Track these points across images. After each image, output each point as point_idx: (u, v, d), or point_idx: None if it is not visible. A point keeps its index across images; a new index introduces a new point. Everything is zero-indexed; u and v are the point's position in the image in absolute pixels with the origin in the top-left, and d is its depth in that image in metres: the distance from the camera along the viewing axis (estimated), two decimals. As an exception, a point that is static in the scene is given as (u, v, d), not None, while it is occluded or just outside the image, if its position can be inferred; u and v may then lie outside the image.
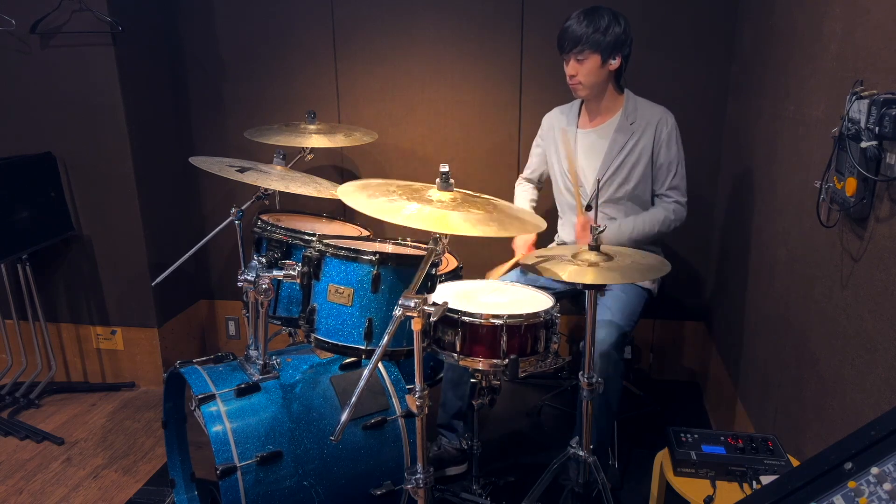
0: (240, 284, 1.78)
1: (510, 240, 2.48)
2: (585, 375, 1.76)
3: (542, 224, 1.68)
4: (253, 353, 1.94)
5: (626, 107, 2.28)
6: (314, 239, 1.83)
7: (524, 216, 1.69)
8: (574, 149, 2.35)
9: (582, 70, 2.20)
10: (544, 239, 2.61)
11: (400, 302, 1.46)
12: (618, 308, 2.14)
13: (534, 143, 2.54)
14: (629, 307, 2.18)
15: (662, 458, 1.66)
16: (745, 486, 1.53)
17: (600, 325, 2.01)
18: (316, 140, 2.59)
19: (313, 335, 1.78)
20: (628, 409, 2.81)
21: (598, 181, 2.07)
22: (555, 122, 2.44)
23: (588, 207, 2.33)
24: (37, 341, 2.99)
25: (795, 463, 1.57)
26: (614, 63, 2.20)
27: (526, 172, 2.59)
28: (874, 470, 0.91)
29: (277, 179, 2.17)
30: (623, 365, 2.15)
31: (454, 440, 2.36)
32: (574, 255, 1.74)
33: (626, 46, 2.20)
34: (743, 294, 2.36)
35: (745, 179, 2.42)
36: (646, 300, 2.29)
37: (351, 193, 1.62)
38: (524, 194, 2.57)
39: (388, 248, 2.07)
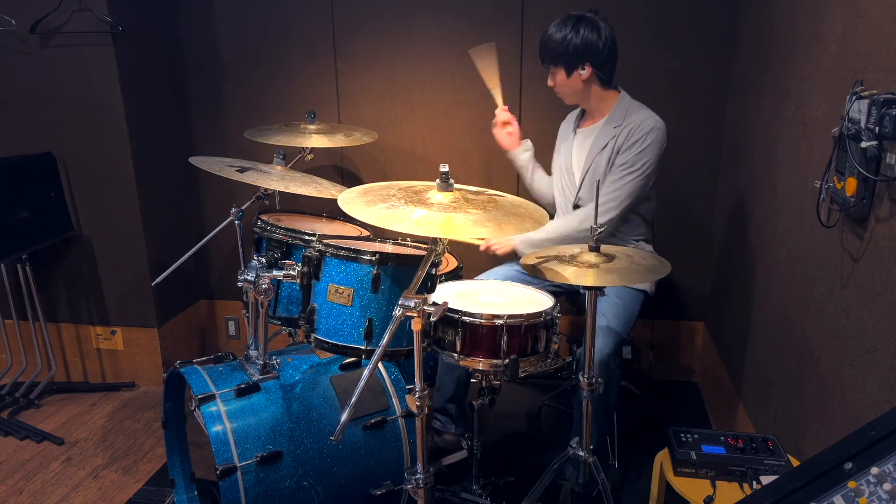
0: (240, 284, 1.78)
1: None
2: (585, 375, 1.76)
3: (545, 217, 1.67)
4: (253, 353, 1.94)
5: (614, 110, 2.28)
6: (314, 239, 1.83)
7: (525, 211, 1.68)
8: (571, 146, 2.38)
9: (555, 81, 2.27)
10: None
11: (400, 302, 1.46)
12: (614, 314, 2.13)
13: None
14: (626, 312, 2.18)
15: (662, 458, 1.66)
16: (745, 486, 1.53)
17: (598, 332, 2.00)
18: (316, 140, 2.59)
19: (313, 335, 1.78)
20: (628, 409, 2.81)
21: (598, 182, 2.06)
22: (565, 122, 2.50)
23: (575, 206, 2.35)
24: (37, 341, 2.99)
25: (795, 463, 1.57)
26: (584, 73, 2.20)
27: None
28: (874, 470, 0.91)
29: (277, 179, 2.17)
30: (619, 373, 2.15)
31: (448, 425, 2.36)
32: (574, 256, 1.74)
33: (594, 55, 2.17)
34: (743, 294, 2.36)
35: (745, 179, 2.42)
36: (642, 301, 2.29)
37: (352, 202, 1.61)
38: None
39: (388, 248, 2.07)
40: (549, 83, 2.30)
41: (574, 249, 1.79)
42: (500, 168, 2.98)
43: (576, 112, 2.45)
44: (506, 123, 2.52)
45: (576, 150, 2.36)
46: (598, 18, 2.19)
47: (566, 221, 2.31)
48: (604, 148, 2.25)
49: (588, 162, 2.29)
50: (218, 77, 3.06)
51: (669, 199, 2.74)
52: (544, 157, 2.58)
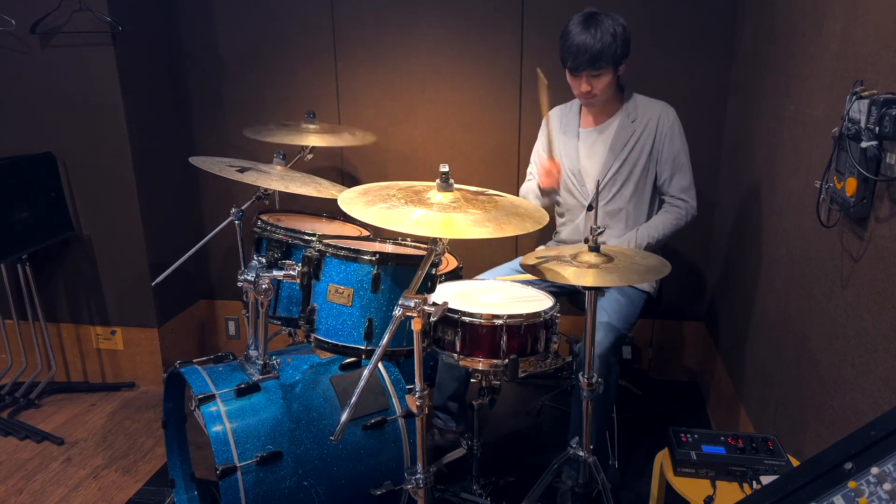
0: (240, 284, 1.78)
1: (510, 238, 2.47)
2: (585, 375, 1.76)
3: (545, 217, 1.67)
4: (253, 353, 1.94)
5: (626, 105, 2.28)
6: (314, 239, 1.83)
7: (525, 211, 1.68)
8: (577, 148, 2.35)
9: (598, 85, 2.18)
10: (543, 237, 2.62)
11: (400, 302, 1.46)
12: (615, 310, 2.13)
13: (537, 143, 2.52)
14: (626, 310, 2.18)
15: (662, 458, 1.66)
16: (745, 486, 1.53)
17: (597, 327, 2.01)
18: (316, 139, 2.59)
19: (313, 335, 1.78)
20: (628, 409, 2.81)
21: (598, 182, 2.07)
22: (558, 119, 2.42)
23: (589, 207, 2.33)
24: (37, 341, 2.99)
25: (795, 463, 1.57)
26: (623, 68, 2.20)
27: (533, 176, 2.53)
28: (874, 470, 0.91)
29: (277, 179, 2.17)
30: (619, 368, 2.15)
31: (449, 423, 2.36)
32: (574, 256, 1.74)
33: (629, 46, 2.18)
34: (743, 294, 2.36)
35: (745, 179, 2.42)
36: (644, 302, 2.29)
37: (352, 202, 1.61)
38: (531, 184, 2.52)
39: (388, 248, 2.07)
40: (585, 88, 2.18)
41: (575, 248, 1.79)
42: (500, 168, 2.99)
43: (566, 110, 2.41)
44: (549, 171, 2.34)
45: (586, 150, 2.34)
46: None
47: (664, 219, 2.28)
48: (626, 144, 2.26)
49: (609, 162, 2.28)
50: (218, 77, 3.06)
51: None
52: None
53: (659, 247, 2.31)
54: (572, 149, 2.35)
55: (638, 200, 2.31)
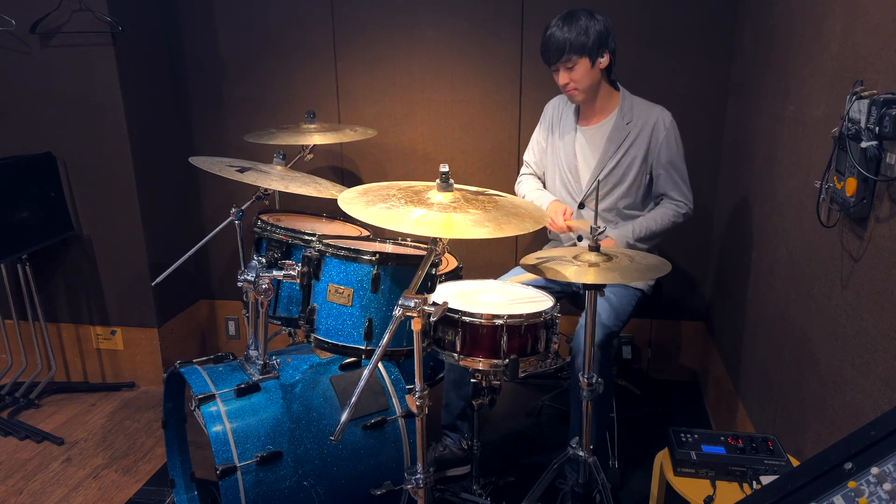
0: (240, 284, 1.78)
1: (510, 238, 2.47)
2: (585, 375, 1.76)
3: (545, 218, 1.67)
4: (253, 353, 1.94)
5: (622, 106, 2.28)
6: (314, 239, 1.83)
7: (525, 211, 1.68)
8: (574, 144, 2.35)
9: (574, 76, 2.21)
10: (540, 235, 2.61)
11: (400, 302, 1.46)
12: (604, 308, 2.13)
13: (535, 132, 2.51)
14: (618, 307, 2.17)
15: (662, 458, 1.66)
16: (745, 486, 1.53)
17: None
18: (317, 138, 2.59)
19: (313, 335, 1.78)
20: (628, 409, 2.81)
21: (598, 182, 2.07)
22: (557, 111, 2.44)
23: (581, 205, 2.33)
24: (37, 341, 2.99)
25: (795, 463, 1.57)
26: (603, 61, 2.21)
27: (531, 166, 2.52)
28: (874, 470, 0.91)
29: (277, 179, 2.17)
30: (611, 366, 2.14)
31: (458, 441, 2.36)
32: (575, 256, 1.74)
33: (610, 41, 2.20)
34: (743, 294, 2.36)
35: (745, 179, 2.42)
36: (638, 299, 2.29)
37: (352, 202, 1.60)
38: (533, 183, 2.51)
39: (388, 248, 2.07)
40: (563, 80, 2.22)
41: (574, 249, 1.79)
42: (500, 168, 2.99)
43: (566, 104, 2.40)
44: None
45: (582, 149, 2.34)
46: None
47: (662, 213, 2.29)
48: (619, 146, 2.26)
49: (602, 162, 2.28)
50: (218, 77, 3.06)
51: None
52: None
53: (655, 241, 2.31)
54: (569, 144, 2.35)
55: (631, 201, 2.31)
